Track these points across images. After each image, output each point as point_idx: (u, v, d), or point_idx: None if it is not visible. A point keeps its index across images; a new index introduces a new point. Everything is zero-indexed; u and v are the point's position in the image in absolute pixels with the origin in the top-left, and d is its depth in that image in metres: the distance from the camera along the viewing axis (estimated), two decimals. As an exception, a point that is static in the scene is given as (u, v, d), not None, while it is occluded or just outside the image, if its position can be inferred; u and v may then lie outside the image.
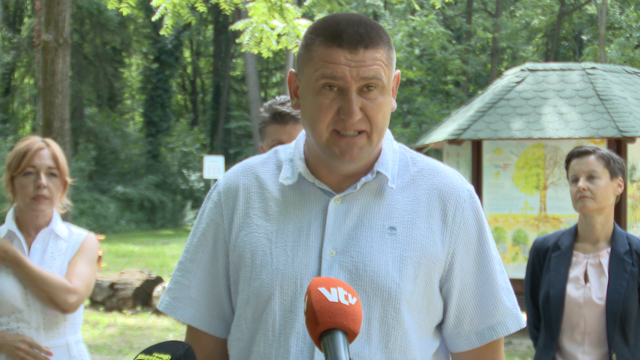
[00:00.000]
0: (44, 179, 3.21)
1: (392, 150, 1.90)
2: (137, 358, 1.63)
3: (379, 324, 1.78)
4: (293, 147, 1.93)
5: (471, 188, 1.91)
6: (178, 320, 2.00)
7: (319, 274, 1.79)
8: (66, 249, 3.31)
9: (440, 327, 1.91)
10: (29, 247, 3.26)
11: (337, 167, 1.83)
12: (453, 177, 1.89)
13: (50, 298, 3.16)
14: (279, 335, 1.80)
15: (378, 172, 1.85)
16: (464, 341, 1.89)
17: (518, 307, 1.92)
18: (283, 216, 1.85)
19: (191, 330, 1.97)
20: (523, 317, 1.92)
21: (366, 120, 1.77)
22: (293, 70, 1.87)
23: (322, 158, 1.83)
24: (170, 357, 1.64)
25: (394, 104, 1.85)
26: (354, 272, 1.78)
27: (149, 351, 1.66)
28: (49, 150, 3.26)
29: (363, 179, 1.83)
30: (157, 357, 1.64)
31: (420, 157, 1.93)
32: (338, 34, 1.75)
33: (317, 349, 1.75)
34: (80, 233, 3.39)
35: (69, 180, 3.32)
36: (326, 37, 1.76)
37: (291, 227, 1.84)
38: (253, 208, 1.88)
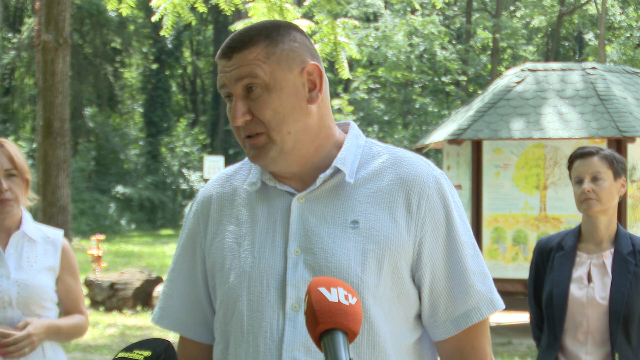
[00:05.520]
0: (3, 183, 3.14)
1: (355, 146, 1.91)
2: (118, 356, 1.64)
3: None
4: None
5: (439, 174, 1.89)
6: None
7: (285, 273, 1.82)
8: (44, 252, 3.26)
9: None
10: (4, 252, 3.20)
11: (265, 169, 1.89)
12: (418, 165, 1.88)
13: (79, 336, 3.37)
14: (247, 335, 1.82)
15: (337, 168, 1.86)
16: (441, 330, 1.88)
17: (494, 291, 1.89)
18: (252, 220, 1.88)
19: (179, 339, 2.03)
20: (499, 300, 1.89)
21: (259, 120, 1.81)
22: None
23: None
24: (150, 354, 1.66)
25: (314, 97, 1.84)
26: (317, 269, 1.80)
27: (129, 349, 1.67)
28: (2, 152, 3.17)
29: (321, 176, 1.85)
30: (138, 353, 1.65)
31: (387, 149, 1.93)
32: (221, 47, 1.85)
33: (285, 347, 1.78)
34: (55, 234, 3.33)
35: (29, 177, 3.24)
36: (218, 53, 1.87)
37: (259, 230, 1.87)
38: (226, 215, 1.93)
